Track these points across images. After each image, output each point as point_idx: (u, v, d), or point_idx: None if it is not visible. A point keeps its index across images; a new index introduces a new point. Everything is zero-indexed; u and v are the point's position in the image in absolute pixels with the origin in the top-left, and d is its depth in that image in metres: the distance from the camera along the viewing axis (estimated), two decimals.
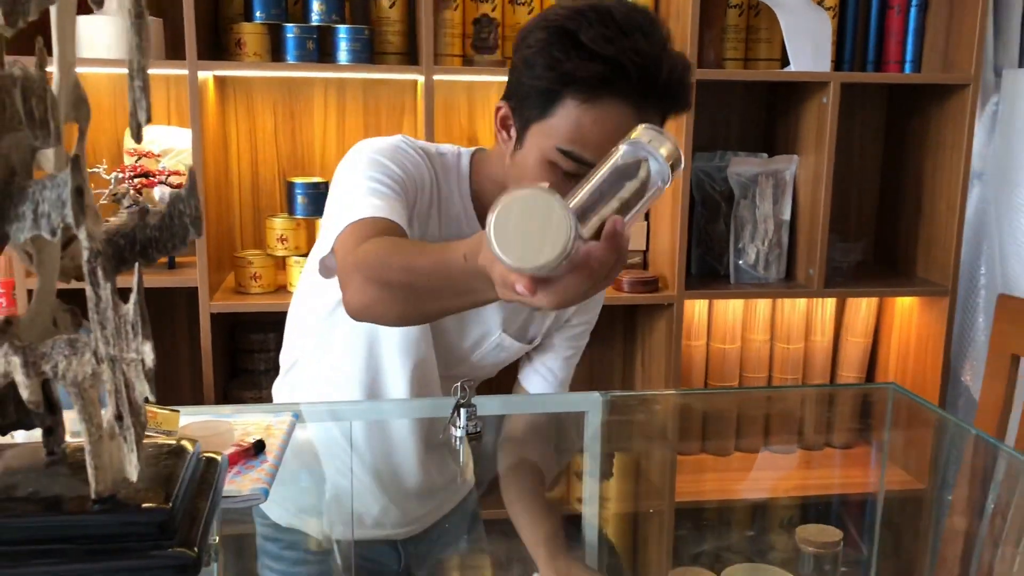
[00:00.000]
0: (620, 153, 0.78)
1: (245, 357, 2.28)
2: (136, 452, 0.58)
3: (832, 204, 2.20)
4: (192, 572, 0.58)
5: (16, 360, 0.56)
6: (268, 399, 1.43)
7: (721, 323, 2.40)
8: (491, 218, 0.69)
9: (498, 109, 1.14)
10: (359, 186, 1.11)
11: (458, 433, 1.16)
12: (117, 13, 1.92)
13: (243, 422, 1.06)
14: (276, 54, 2.09)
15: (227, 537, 1.09)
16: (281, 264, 2.20)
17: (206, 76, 2.04)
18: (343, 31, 2.06)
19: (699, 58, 2.13)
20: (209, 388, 2.07)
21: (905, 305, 2.44)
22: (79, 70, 0.63)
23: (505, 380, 1.44)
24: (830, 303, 2.45)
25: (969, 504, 1.36)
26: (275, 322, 1.92)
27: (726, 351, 2.41)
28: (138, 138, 0.60)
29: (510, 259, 0.69)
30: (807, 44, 2.16)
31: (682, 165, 0.80)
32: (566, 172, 1.07)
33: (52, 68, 0.60)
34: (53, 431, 0.65)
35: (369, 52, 2.09)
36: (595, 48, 1.01)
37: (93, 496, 0.59)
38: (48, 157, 0.61)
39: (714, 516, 1.66)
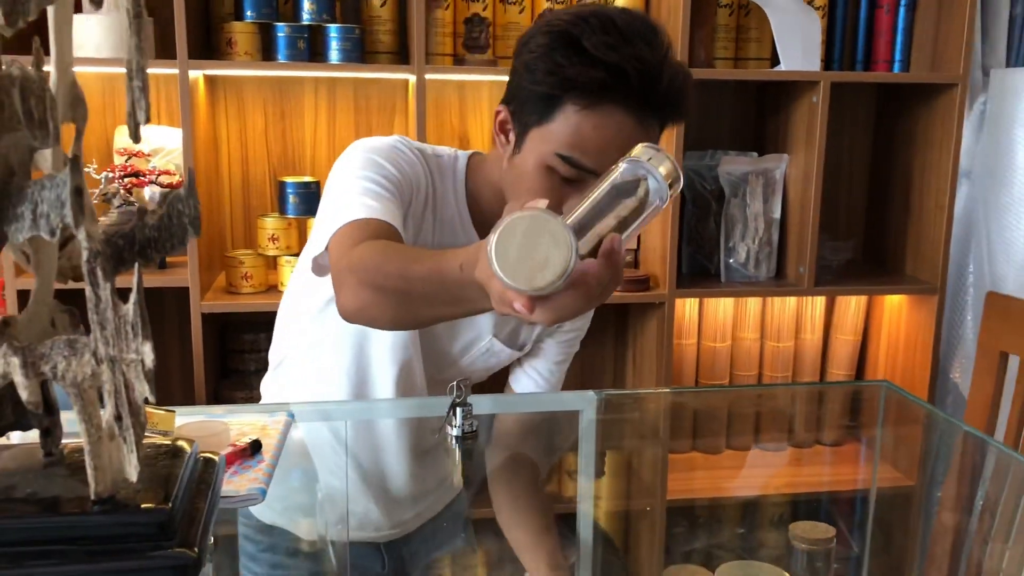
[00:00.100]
0: (619, 171, 0.78)
1: (236, 357, 2.27)
2: (136, 453, 0.57)
3: (822, 203, 2.21)
4: (192, 572, 0.58)
5: (15, 361, 0.56)
6: (259, 399, 1.43)
7: (712, 322, 2.41)
8: (492, 239, 0.69)
9: (497, 113, 1.14)
10: (354, 185, 1.10)
11: (454, 432, 1.16)
12: (113, 12, 1.92)
13: (238, 422, 1.06)
14: (267, 53, 2.09)
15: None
16: (272, 264, 2.19)
17: (197, 75, 2.04)
18: (334, 30, 2.05)
19: (690, 57, 2.14)
20: (200, 388, 2.07)
21: (894, 303, 2.45)
22: None
23: (498, 381, 1.44)
24: (820, 301, 2.46)
25: (964, 501, 1.37)
26: (266, 322, 1.92)
27: (717, 349, 2.42)
28: (136, 138, 0.60)
29: (512, 280, 0.69)
30: (797, 43, 2.17)
31: (681, 184, 0.81)
32: (564, 177, 1.07)
33: (48, 68, 0.60)
34: (51, 432, 0.64)
35: (360, 51, 2.09)
36: (597, 54, 1.01)
37: (93, 497, 0.58)
38: (45, 157, 0.61)
39: (706, 514, 1.66)
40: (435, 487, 1.41)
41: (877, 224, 2.55)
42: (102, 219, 0.60)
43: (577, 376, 2.49)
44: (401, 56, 2.17)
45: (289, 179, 2.15)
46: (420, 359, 1.25)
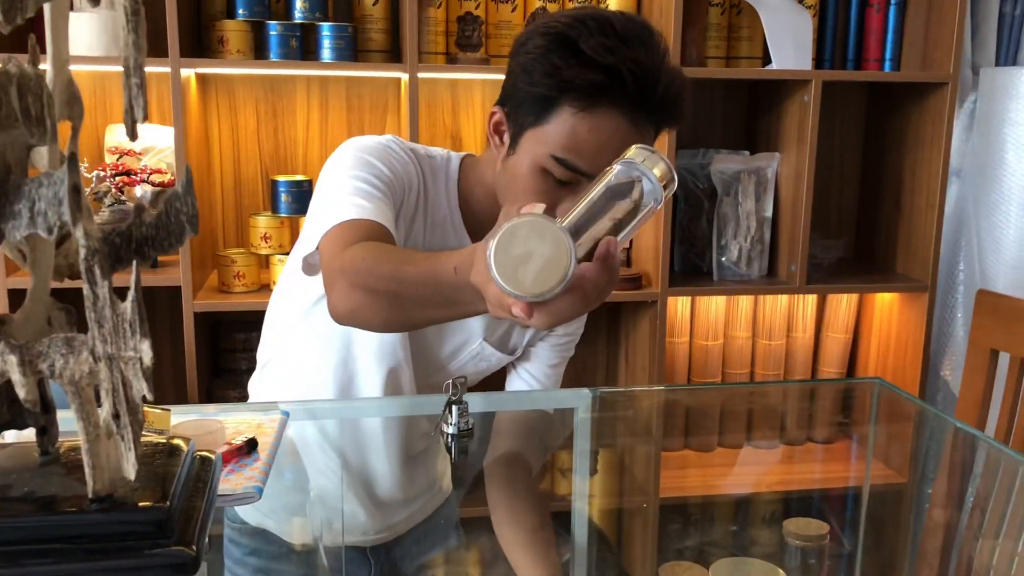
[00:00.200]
0: (614, 173, 0.79)
1: (228, 356, 2.27)
2: (134, 451, 0.57)
3: (813, 201, 2.22)
4: (191, 571, 0.58)
5: (13, 359, 0.56)
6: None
7: (704, 320, 2.42)
8: (491, 244, 0.69)
9: (492, 114, 1.13)
10: (345, 185, 1.10)
11: (450, 431, 1.16)
12: (104, 10, 1.91)
13: (232, 421, 1.06)
14: (259, 52, 2.08)
15: None
16: (264, 263, 2.19)
17: (188, 74, 2.03)
18: (326, 29, 2.05)
19: (681, 56, 2.14)
20: (193, 387, 2.06)
21: (885, 301, 2.46)
22: None
23: (492, 386, 1.43)
24: (811, 300, 2.47)
25: (957, 498, 1.38)
26: (259, 321, 1.91)
27: (709, 348, 2.42)
28: (133, 135, 0.60)
29: (511, 287, 0.69)
30: (788, 42, 2.18)
31: (675, 186, 0.81)
32: (559, 180, 1.07)
33: (45, 66, 0.60)
34: (47, 430, 0.64)
35: (352, 50, 2.08)
36: (595, 57, 1.01)
37: (91, 495, 0.58)
38: (42, 155, 0.61)
39: (699, 511, 1.66)
40: (426, 489, 1.40)
41: (868, 223, 2.56)
42: (95, 218, 0.60)
43: (570, 374, 2.48)
44: (393, 54, 2.17)
45: (281, 178, 2.15)
46: (409, 362, 1.25)
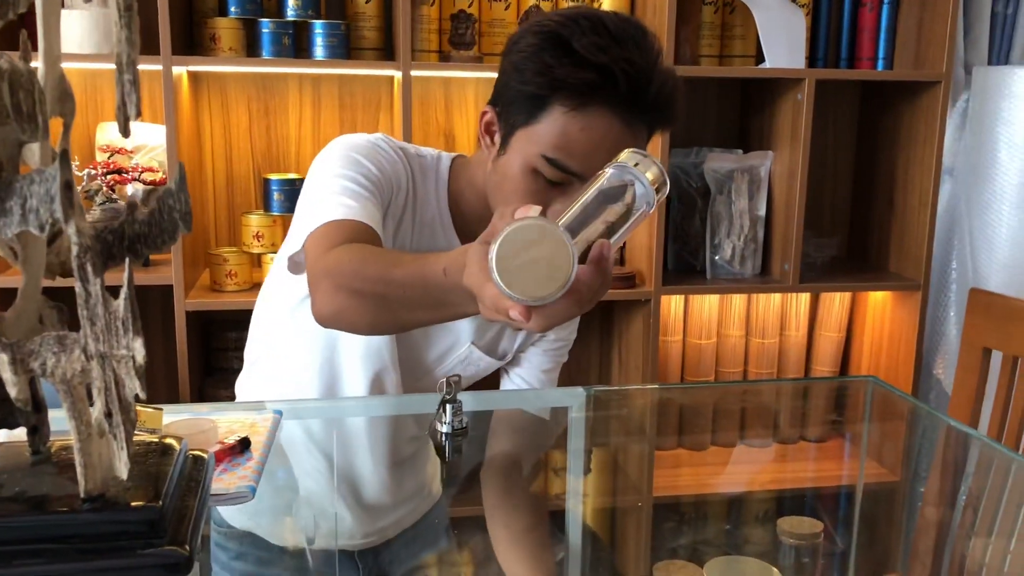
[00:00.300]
0: (606, 176, 0.78)
1: (220, 355, 2.26)
2: (127, 450, 0.57)
3: (806, 200, 2.22)
4: (184, 570, 0.58)
5: (3, 357, 0.55)
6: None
7: (697, 318, 2.42)
8: (493, 247, 0.69)
9: (483, 114, 1.12)
10: (332, 184, 1.08)
11: (444, 430, 1.16)
12: (96, 7, 1.90)
13: (225, 420, 1.05)
14: (251, 49, 2.08)
15: None
16: (257, 261, 2.18)
17: (180, 71, 2.02)
18: (319, 26, 2.04)
19: (675, 55, 2.14)
20: (184, 386, 2.05)
21: (878, 300, 2.47)
22: None
23: (486, 384, 1.43)
24: (804, 298, 2.48)
25: (950, 496, 1.38)
26: (250, 320, 1.91)
27: (702, 346, 2.42)
28: (126, 132, 0.59)
29: (513, 291, 0.69)
30: (782, 41, 2.18)
31: (667, 189, 0.81)
32: (549, 180, 1.05)
33: (36, 63, 0.59)
34: (38, 430, 0.64)
35: (345, 48, 2.08)
36: (587, 55, 1.00)
37: (82, 495, 0.58)
38: (33, 151, 0.60)
39: (693, 510, 1.66)
40: (415, 493, 1.38)
41: (861, 221, 2.57)
42: (86, 216, 0.60)
43: (564, 373, 2.47)
44: (386, 52, 2.17)
45: (273, 176, 2.14)
46: (395, 365, 1.23)
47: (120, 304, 0.55)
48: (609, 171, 0.79)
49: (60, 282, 0.63)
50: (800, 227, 2.22)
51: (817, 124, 2.27)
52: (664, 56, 1.06)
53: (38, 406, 0.63)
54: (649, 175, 0.79)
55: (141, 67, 2.05)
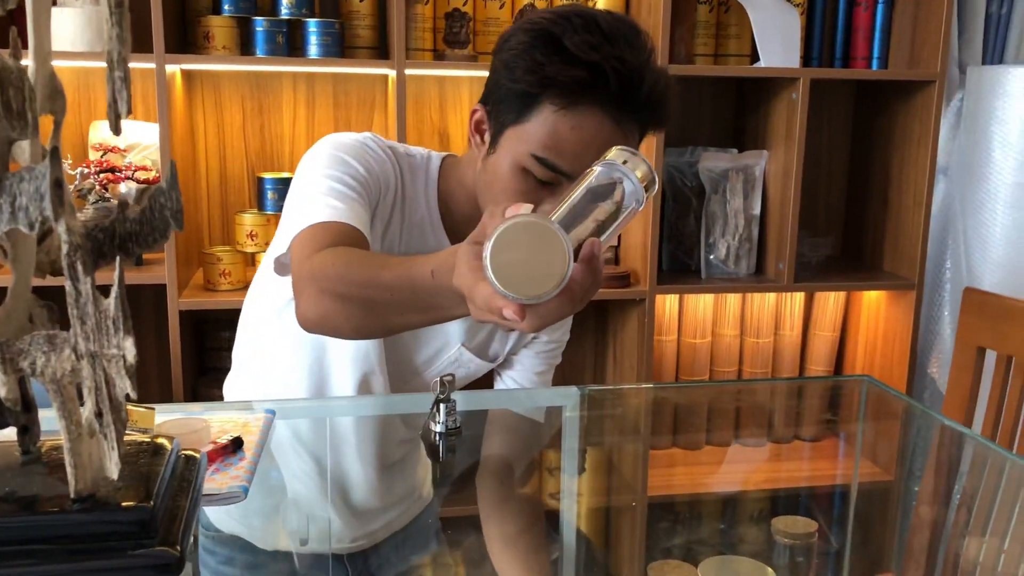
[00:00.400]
0: (595, 174, 0.78)
1: (214, 355, 2.26)
2: (117, 450, 0.56)
3: (801, 199, 2.22)
4: (175, 571, 0.58)
5: None
6: None
7: (692, 318, 2.42)
8: (487, 246, 0.68)
9: (473, 112, 1.11)
10: (319, 185, 1.07)
11: (438, 429, 1.15)
12: (89, 5, 1.89)
13: (218, 420, 1.05)
14: (245, 48, 2.07)
15: None
16: (250, 260, 2.17)
17: (173, 70, 2.02)
18: (313, 25, 2.04)
19: (670, 53, 2.14)
20: (178, 386, 2.05)
21: (872, 299, 2.47)
22: None
23: (479, 385, 1.42)
24: (799, 297, 2.48)
25: (946, 496, 1.38)
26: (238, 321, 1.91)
27: (697, 345, 2.42)
28: (117, 130, 0.59)
29: (509, 290, 0.68)
30: (777, 40, 2.18)
31: (656, 187, 0.81)
32: (539, 180, 1.04)
33: (26, 61, 0.59)
34: (29, 429, 0.63)
35: (339, 46, 2.07)
36: (578, 53, 0.99)
37: (72, 495, 0.57)
38: (23, 149, 0.60)
39: (687, 509, 1.66)
40: (405, 496, 1.37)
41: (856, 220, 2.57)
42: (79, 215, 0.59)
43: (558, 372, 2.47)
44: (381, 51, 2.16)
45: (267, 175, 2.14)
46: (384, 368, 1.22)
47: (111, 303, 0.55)
48: (598, 169, 0.78)
49: (51, 281, 0.63)
50: (795, 226, 2.22)
51: (812, 123, 2.27)
52: (656, 55, 1.05)
53: (28, 406, 0.62)
54: (638, 173, 0.78)
55: (134, 65, 2.04)
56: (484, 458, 1.34)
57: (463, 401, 1.20)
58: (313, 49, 2.05)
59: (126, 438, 0.62)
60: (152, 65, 1.92)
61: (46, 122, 0.60)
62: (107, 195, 2.02)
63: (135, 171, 2.03)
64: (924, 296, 2.39)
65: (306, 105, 2.28)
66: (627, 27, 1.03)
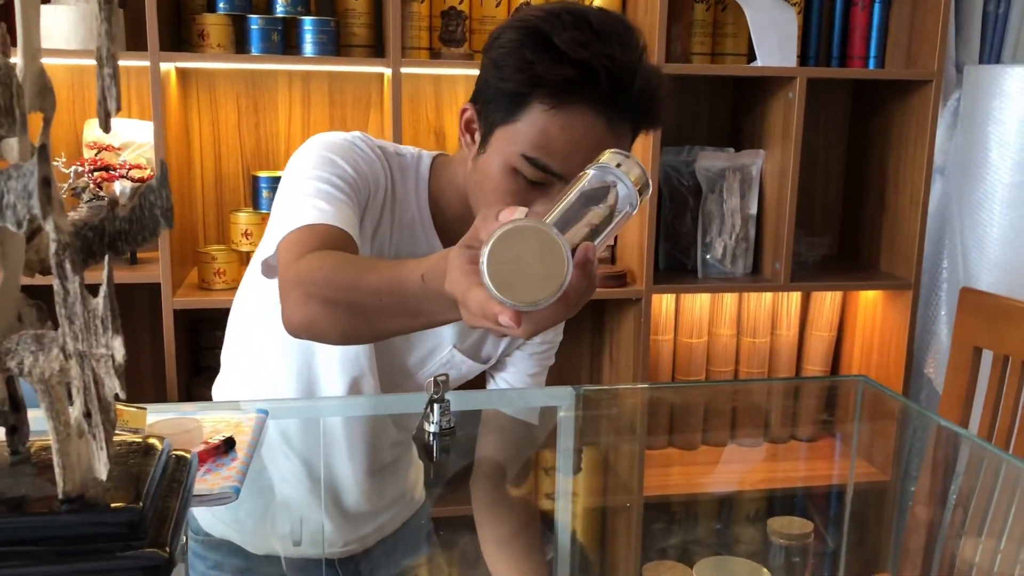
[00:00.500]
0: (588, 178, 0.77)
1: (208, 354, 2.25)
2: (106, 450, 0.56)
3: (798, 199, 2.22)
4: (164, 573, 0.57)
5: None
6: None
7: (688, 317, 2.42)
8: (484, 252, 0.67)
9: (463, 111, 1.09)
10: (306, 186, 1.05)
11: (432, 429, 1.15)
12: (82, 2, 1.88)
13: (211, 419, 1.04)
14: (240, 46, 2.06)
15: None
16: (245, 260, 2.17)
17: (168, 68, 2.01)
18: (308, 23, 2.03)
19: (666, 52, 2.14)
20: (172, 385, 2.04)
21: (869, 299, 2.47)
22: None
23: (473, 386, 1.42)
24: (796, 297, 2.47)
25: (942, 497, 1.38)
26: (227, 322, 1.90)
27: (693, 345, 2.42)
28: (107, 128, 0.58)
29: (506, 296, 0.67)
30: (773, 39, 2.18)
31: (650, 190, 0.80)
32: (529, 180, 1.02)
33: (15, 58, 0.58)
34: (17, 430, 0.63)
35: (335, 44, 2.07)
36: (568, 51, 0.97)
37: (61, 496, 0.57)
38: (11, 146, 0.59)
39: (683, 510, 1.66)
40: (397, 500, 1.36)
41: (852, 220, 2.57)
42: (71, 214, 0.59)
43: (554, 372, 2.47)
44: (376, 49, 2.16)
45: (262, 173, 2.13)
46: (374, 371, 1.20)
47: (99, 302, 0.54)
48: (591, 172, 0.77)
49: (40, 280, 0.62)
50: (791, 226, 2.22)
51: (808, 123, 2.27)
52: (648, 53, 1.03)
53: (17, 406, 0.62)
54: (632, 176, 0.77)
55: (129, 63, 2.03)
56: (478, 460, 1.33)
57: (456, 401, 1.20)
58: (308, 47, 2.04)
59: (116, 438, 0.62)
60: (147, 63, 1.91)
61: (35, 119, 0.59)
62: (101, 194, 2.01)
63: (129, 169, 2.03)
64: (921, 296, 2.38)
65: (301, 103, 2.27)
66: (618, 25, 1.01)
